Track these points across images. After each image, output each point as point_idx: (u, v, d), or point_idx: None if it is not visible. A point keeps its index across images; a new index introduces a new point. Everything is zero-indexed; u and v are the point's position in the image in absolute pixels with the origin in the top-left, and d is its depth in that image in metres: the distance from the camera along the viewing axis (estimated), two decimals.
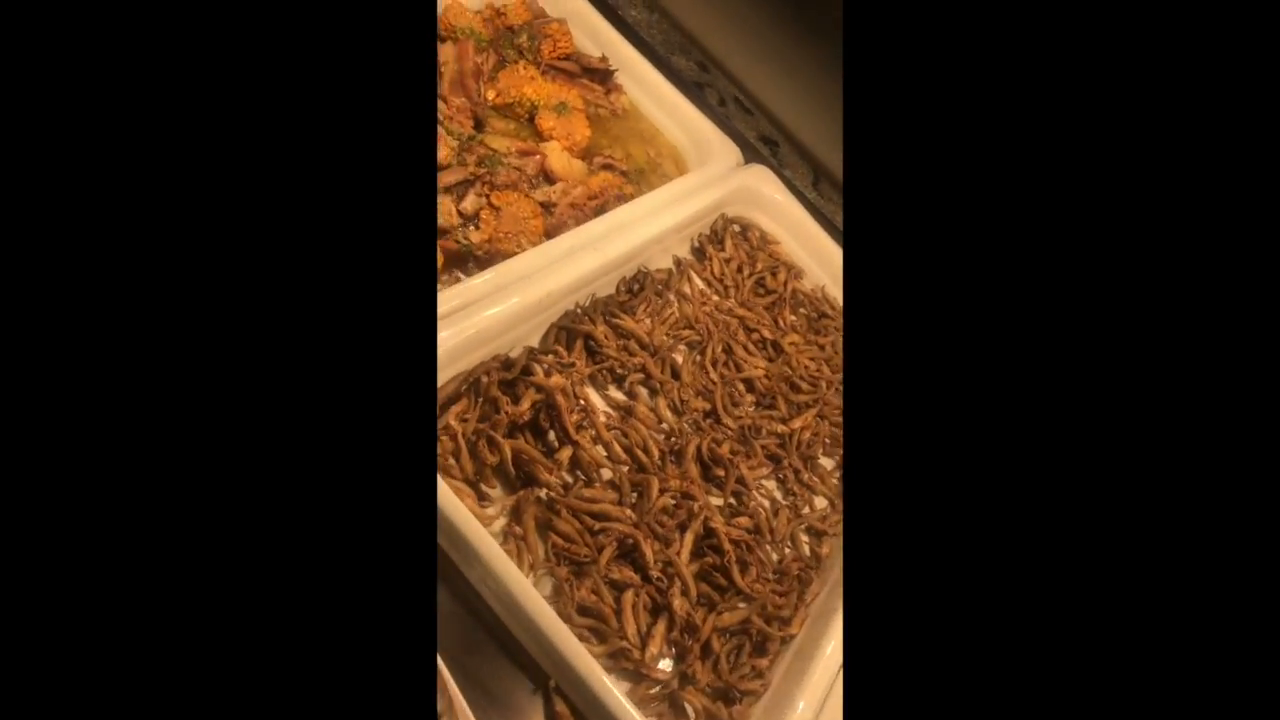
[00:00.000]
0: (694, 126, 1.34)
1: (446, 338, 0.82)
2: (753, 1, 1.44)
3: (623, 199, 1.16)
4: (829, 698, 0.82)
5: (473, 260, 0.98)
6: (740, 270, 1.23)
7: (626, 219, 1.08)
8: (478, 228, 1.01)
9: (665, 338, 1.06)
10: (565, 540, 0.80)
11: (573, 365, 0.92)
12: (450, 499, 0.73)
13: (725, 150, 1.31)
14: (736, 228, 1.28)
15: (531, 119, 1.21)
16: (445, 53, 1.18)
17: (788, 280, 1.26)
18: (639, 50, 1.39)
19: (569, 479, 0.86)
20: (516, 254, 1.02)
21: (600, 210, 1.11)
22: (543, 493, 0.83)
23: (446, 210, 0.99)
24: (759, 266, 1.25)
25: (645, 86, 1.36)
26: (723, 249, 1.24)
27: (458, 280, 0.96)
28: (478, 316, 0.85)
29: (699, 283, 1.18)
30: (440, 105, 1.09)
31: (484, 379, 0.87)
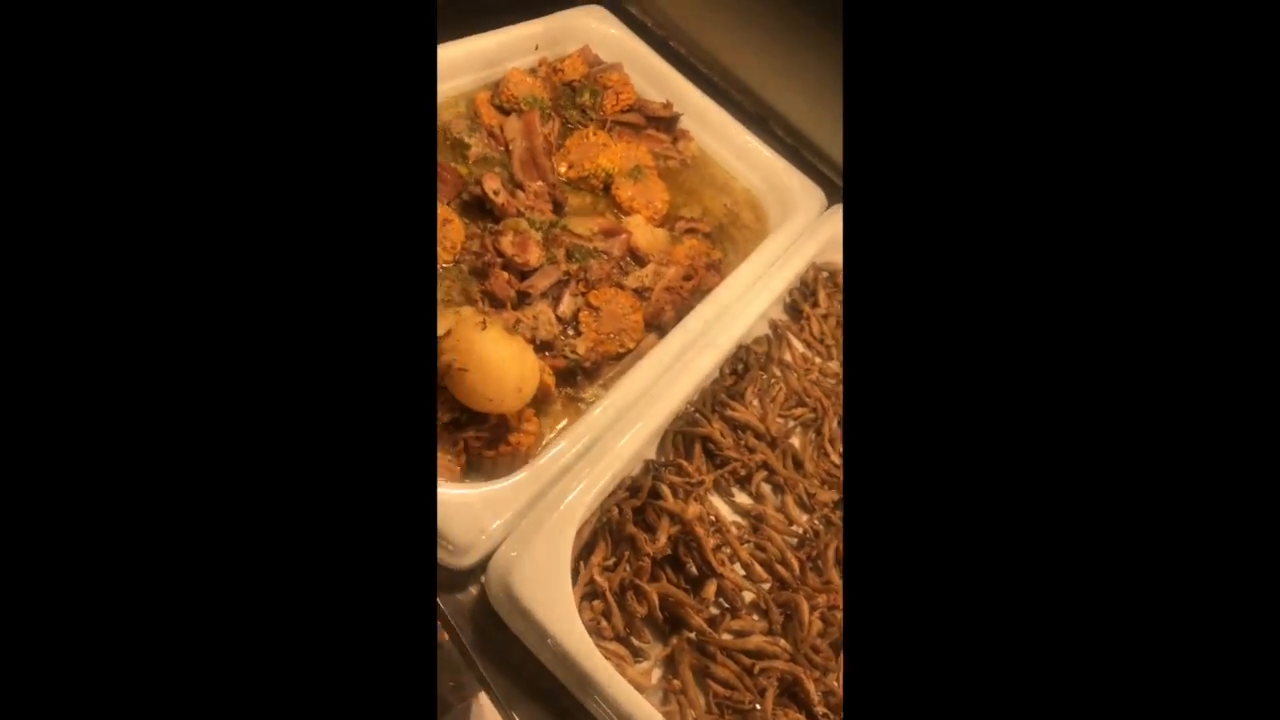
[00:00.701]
0: (769, 169, 1.27)
1: (583, 490, 0.78)
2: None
3: (713, 266, 1.10)
4: None
5: (581, 373, 0.93)
6: (839, 325, 1.17)
7: (727, 299, 1.02)
8: (579, 332, 0.96)
9: (779, 420, 1.01)
10: (726, 688, 0.77)
11: (701, 483, 0.87)
12: (606, 670, 0.69)
13: (807, 195, 1.23)
14: (826, 274, 1.22)
15: (607, 188, 1.15)
16: (511, 128, 1.11)
17: None
18: (697, 85, 1.31)
19: (715, 611, 0.82)
20: (620, 354, 0.97)
21: (695, 290, 1.06)
22: (693, 635, 0.79)
23: (547, 319, 0.93)
24: None
25: (712, 129, 1.29)
26: (817, 304, 1.17)
27: (576, 405, 0.91)
28: (610, 455, 0.81)
29: (799, 346, 1.12)
30: (517, 193, 1.03)
31: (615, 512, 0.83)
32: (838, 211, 1.24)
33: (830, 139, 1.43)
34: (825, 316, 1.17)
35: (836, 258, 1.24)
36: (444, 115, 1.10)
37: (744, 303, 1.03)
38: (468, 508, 0.72)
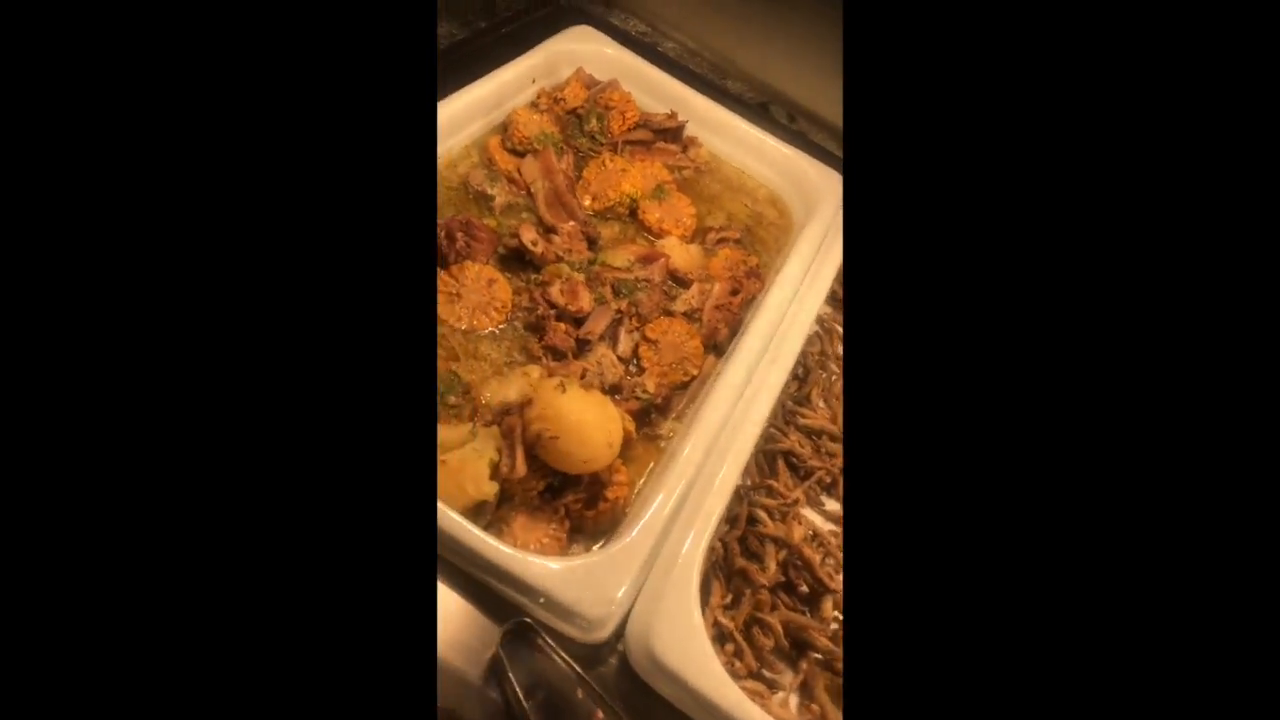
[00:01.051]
0: (782, 162, 1.26)
1: (695, 536, 0.78)
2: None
3: (753, 274, 1.10)
4: None
5: (654, 410, 0.93)
6: None
7: (778, 306, 1.02)
8: (641, 369, 0.96)
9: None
10: None
11: (796, 501, 0.88)
12: (759, 715, 0.70)
13: (826, 181, 1.23)
14: None
15: (633, 213, 1.14)
16: (530, 170, 1.10)
17: None
18: (693, 86, 1.30)
19: (835, 627, 0.83)
20: (685, 382, 0.97)
21: (744, 302, 1.05)
22: (820, 655, 0.80)
23: (610, 363, 0.93)
24: None
25: (718, 129, 1.28)
26: None
27: (656, 444, 0.91)
28: (711, 495, 0.81)
29: None
30: (551, 238, 1.02)
31: (719, 548, 0.84)
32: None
33: (834, 112, 1.42)
34: None
35: None
36: (461, 168, 1.09)
37: (796, 307, 1.04)
38: (590, 578, 0.72)
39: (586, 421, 0.80)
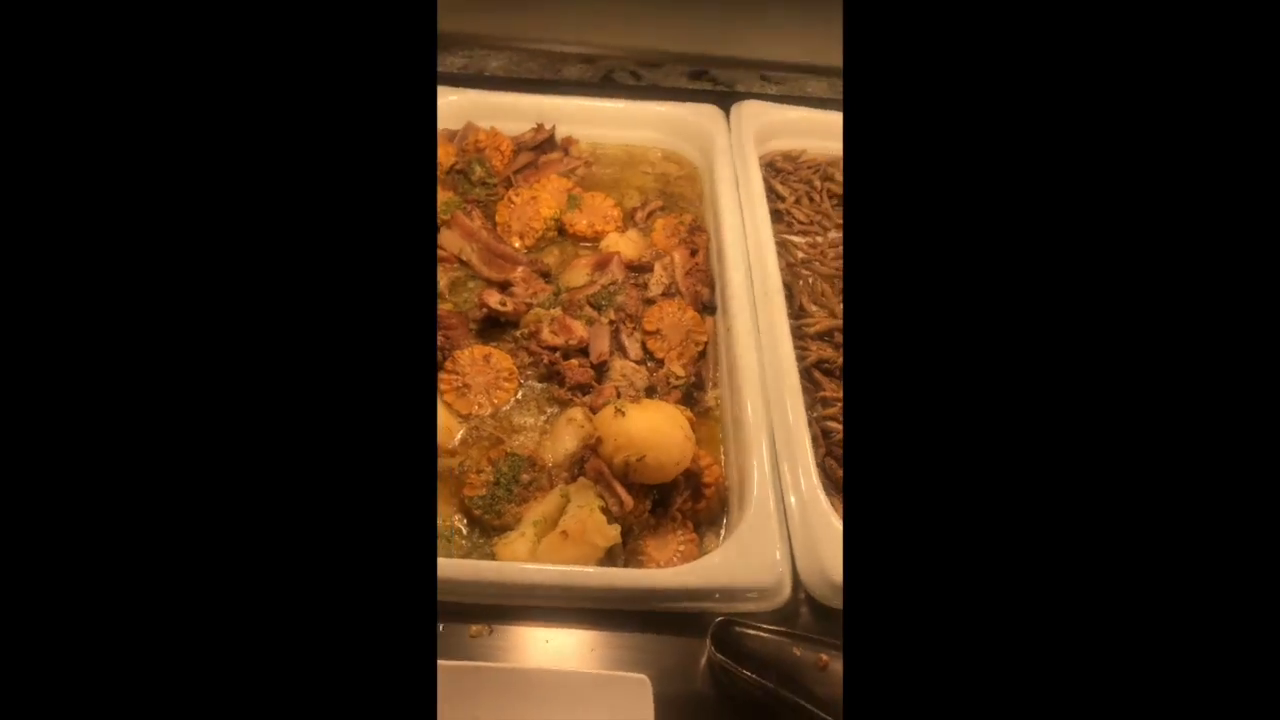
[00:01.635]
0: (655, 119, 1.29)
1: (804, 480, 0.82)
2: None
3: (695, 228, 1.13)
4: None
5: (693, 389, 0.96)
6: (812, 197, 1.23)
7: (738, 245, 1.06)
8: (659, 361, 0.98)
9: (839, 302, 1.07)
10: None
11: (838, 400, 0.93)
12: None
13: (705, 115, 1.27)
14: (770, 167, 1.26)
15: (562, 231, 1.15)
16: (452, 243, 1.09)
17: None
18: (537, 93, 1.31)
19: None
20: (702, 350, 1.00)
21: (705, 256, 1.09)
22: None
23: (633, 370, 0.95)
24: (817, 183, 1.25)
25: (585, 118, 1.29)
26: (783, 198, 1.22)
27: (711, 416, 0.95)
28: (791, 438, 0.86)
29: (800, 240, 1.18)
30: (511, 291, 1.03)
31: (820, 470, 0.88)
32: (741, 106, 1.29)
33: (668, 53, 1.46)
34: (798, 201, 1.23)
35: (776, 144, 1.29)
36: None
37: (751, 232, 1.08)
38: (745, 555, 0.76)
39: (658, 429, 0.82)
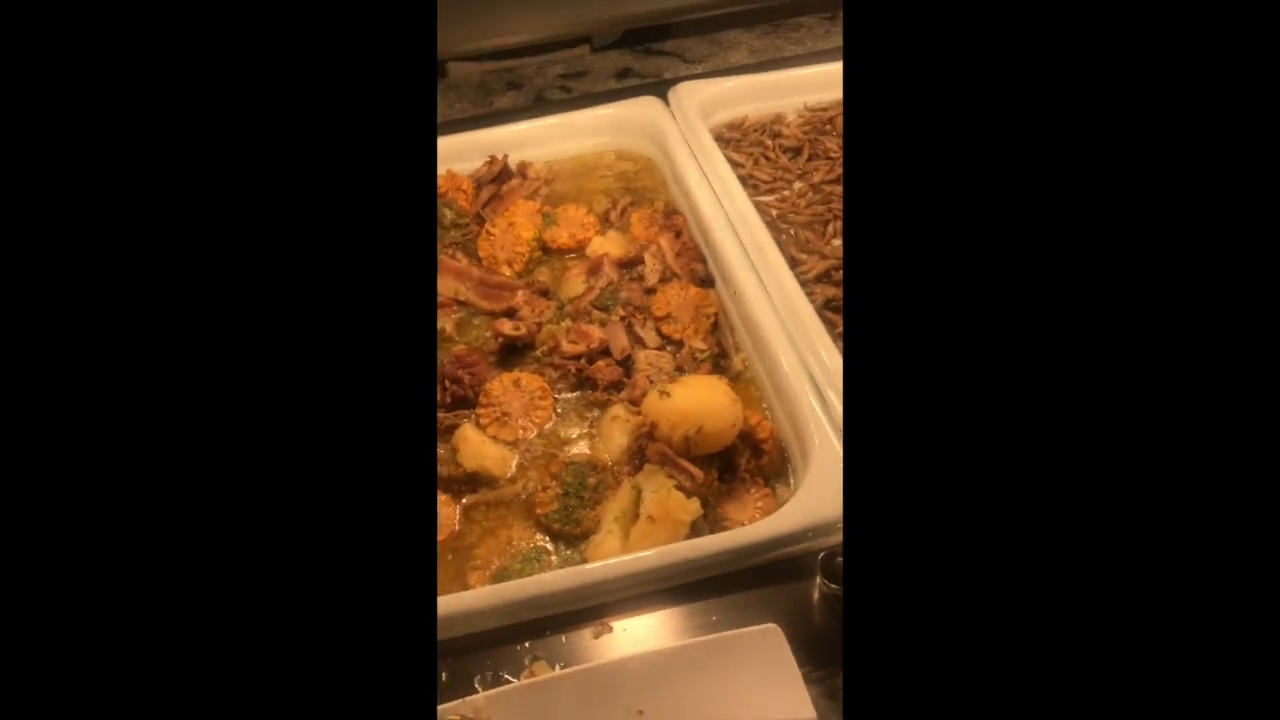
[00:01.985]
0: (598, 124, 1.32)
1: None
2: None
3: (670, 212, 1.16)
4: None
5: (720, 357, 0.99)
6: (767, 156, 1.27)
7: (718, 217, 1.10)
8: (679, 343, 1.01)
9: (837, 243, 1.11)
10: None
11: None
12: None
13: (646, 106, 1.30)
14: (722, 137, 1.29)
15: (546, 250, 1.17)
16: (444, 286, 1.10)
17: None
18: (479, 128, 1.33)
19: None
20: (715, 320, 1.03)
21: (689, 236, 1.12)
22: None
23: (658, 358, 0.98)
24: (768, 142, 1.29)
25: (534, 140, 1.31)
26: (741, 164, 1.26)
27: (744, 378, 0.98)
28: (829, 380, 0.89)
29: (771, 199, 1.21)
30: (520, 315, 1.04)
31: None
32: (678, 89, 1.32)
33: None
34: (756, 163, 1.27)
35: (719, 117, 1.32)
36: None
37: (726, 201, 1.12)
38: (824, 493, 0.78)
39: (706, 398, 0.85)
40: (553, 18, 1.44)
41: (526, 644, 0.73)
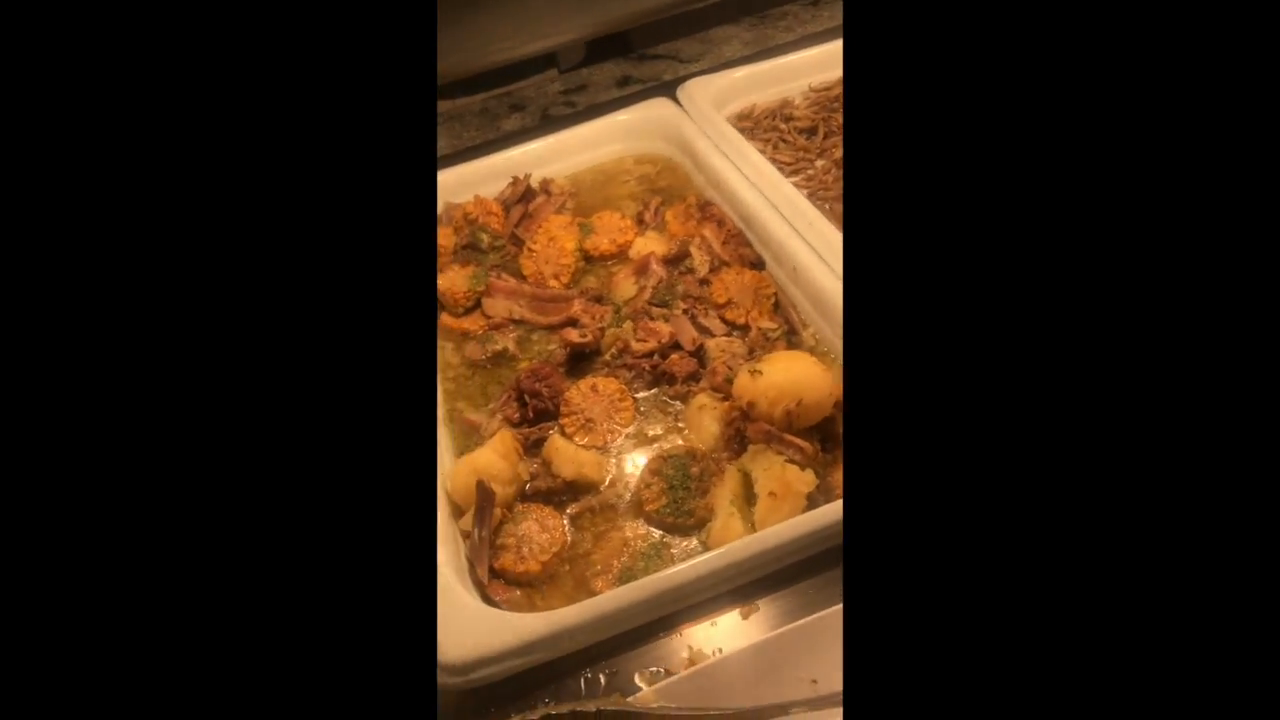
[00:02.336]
0: (613, 131, 1.33)
1: None
2: None
3: (704, 204, 1.17)
4: None
5: (790, 335, 1.00)
6: (785, 139, 1.28)
7: (757, 200, 1.11)
8: (745, 326, 1.01)
9: None
10: None
11: None
12: None
13: (655, 108, 1.32)
14: (740, 125, 1.31)
15: (588, 259, 1.17)
16: (497, 308, 1.10)
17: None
18: (495, 152, 1.33)
19: None
20: (775, 300, 1.04)
21: (731, 224, 1.13)
22: None
23: (728, 345, 0.98)
24: (782, 126, 1.31)
25: (551, 155, 1.32)
26: (765, 150, 1.27)
27: (820, 348, 0.98)
28: None
29: (801, 180, 1.23)
30: (580, 331, 1.04)
31: None
32: (686, 86, 1.34)
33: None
34: (775, 147, 1.29)
35: (729, 109, 1.34)
36: (467, 351, 1.08)
37: (761, 182, 1.13)
38: None
39: (799, 371, 0.85)
40: (545, 28, 1.45)
41: (680, 633, 0.72)
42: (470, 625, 0.72)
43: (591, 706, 0.67)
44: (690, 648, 0.72)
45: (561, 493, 0.89)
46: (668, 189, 1.27)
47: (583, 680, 0.70)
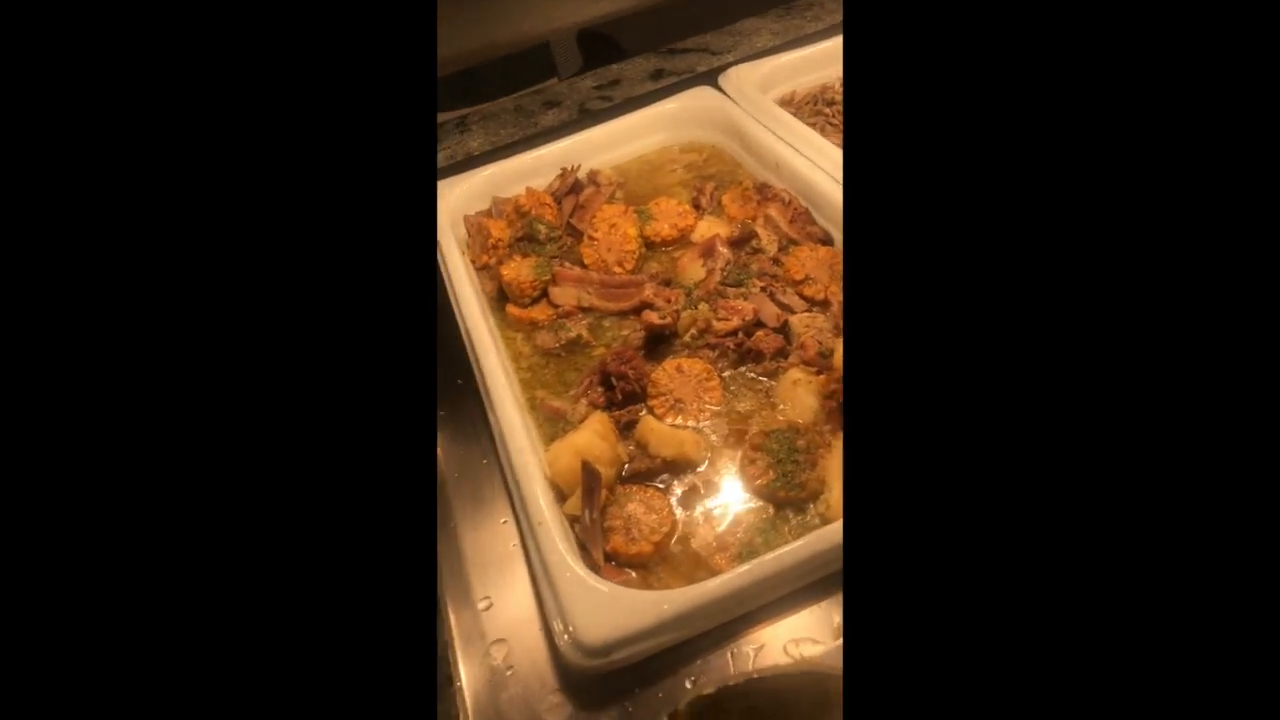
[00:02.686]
0: (654, 121, 1.33)
1: None
2: None
3: (761, 186, 1.16)
4: None
5: None
6: (831, 122, 1.28)
7: (817, 178, 1.11)
8: (825, 300, 1.00)
9: None
10: None
11: None
12: None
13: (697, 96, 1.32)
14: (784, 109, 1.31)
15: (650, 245, 1.16)
16: (565, 296, 1.08)
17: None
18: (532, 149, 1.32)
19: None
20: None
21: (797, 203, 1.12)
22: None
23: (813, 321, 0.97)
24: (826, 110, 1.31)
25: (592, 148, 1.31)
26: (803, 122, 1.27)
27: None
28: None
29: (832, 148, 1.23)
30: (659, 313, 1.02)
31: None
32: (727, 75, 1.33)
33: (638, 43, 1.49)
34: (824, 130, 1.28)
35: (771, 95, 1.33)
36: (539, 340, 1.05)
37: (819, 159, 1.13)
38: None
39: None
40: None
41: (821, 603, 0.70)
42: (604, 606, 0.69)
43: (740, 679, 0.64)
44: (839, 616, 0.69)
45: (660, 472, 0.87)
46: (717, 175, 1.27)
47: (730, 655, 0.68)
